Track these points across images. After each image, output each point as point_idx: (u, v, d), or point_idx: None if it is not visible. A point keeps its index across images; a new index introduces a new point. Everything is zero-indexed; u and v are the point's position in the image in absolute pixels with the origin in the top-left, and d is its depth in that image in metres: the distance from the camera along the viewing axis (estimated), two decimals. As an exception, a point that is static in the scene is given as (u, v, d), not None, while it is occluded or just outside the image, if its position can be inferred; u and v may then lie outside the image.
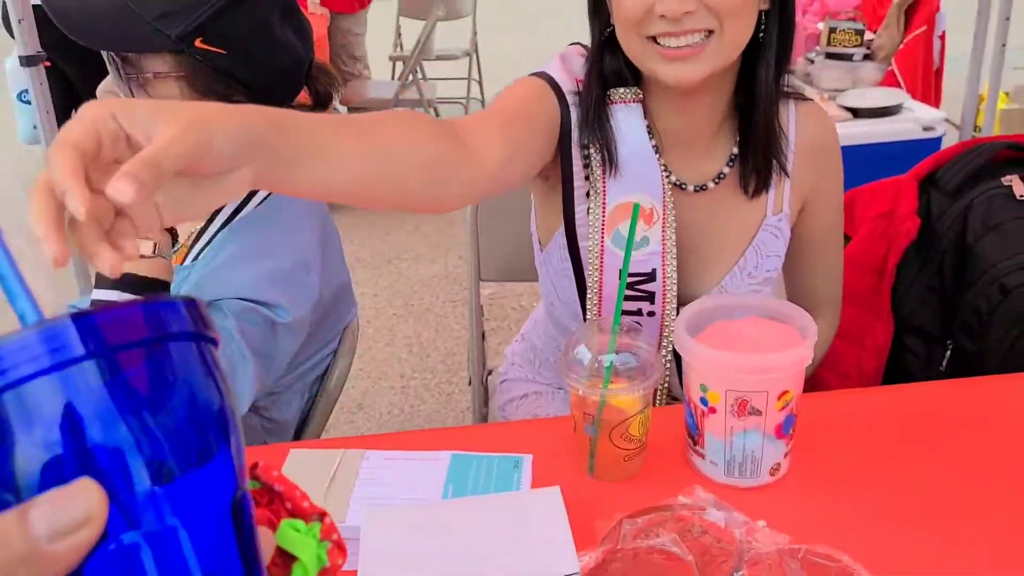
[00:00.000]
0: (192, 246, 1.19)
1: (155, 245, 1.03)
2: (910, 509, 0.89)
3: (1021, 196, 1.36)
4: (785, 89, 1.12)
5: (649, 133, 1.10)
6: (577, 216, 1.12)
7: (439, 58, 5.09)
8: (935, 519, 0.88)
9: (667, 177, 1.10)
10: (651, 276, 1.10)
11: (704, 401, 0.90)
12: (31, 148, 4.55)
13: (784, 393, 0.87)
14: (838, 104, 3.55)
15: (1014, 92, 4.03)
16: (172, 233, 1.08)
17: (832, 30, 3.99)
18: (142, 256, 1.02)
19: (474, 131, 0.93)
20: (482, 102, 5.71)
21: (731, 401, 0.88)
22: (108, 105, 0.55)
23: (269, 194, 1.18)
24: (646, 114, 1.10)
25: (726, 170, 1.13)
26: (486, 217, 1.56)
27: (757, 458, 0.90)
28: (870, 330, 1.46)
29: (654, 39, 1.00)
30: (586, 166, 1.10)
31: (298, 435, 1.27)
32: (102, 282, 1.04)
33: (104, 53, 1.10)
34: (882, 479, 0.94)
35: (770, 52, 1.06)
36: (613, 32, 1.05)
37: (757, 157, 1.11)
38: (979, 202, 1.38)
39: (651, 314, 1.12)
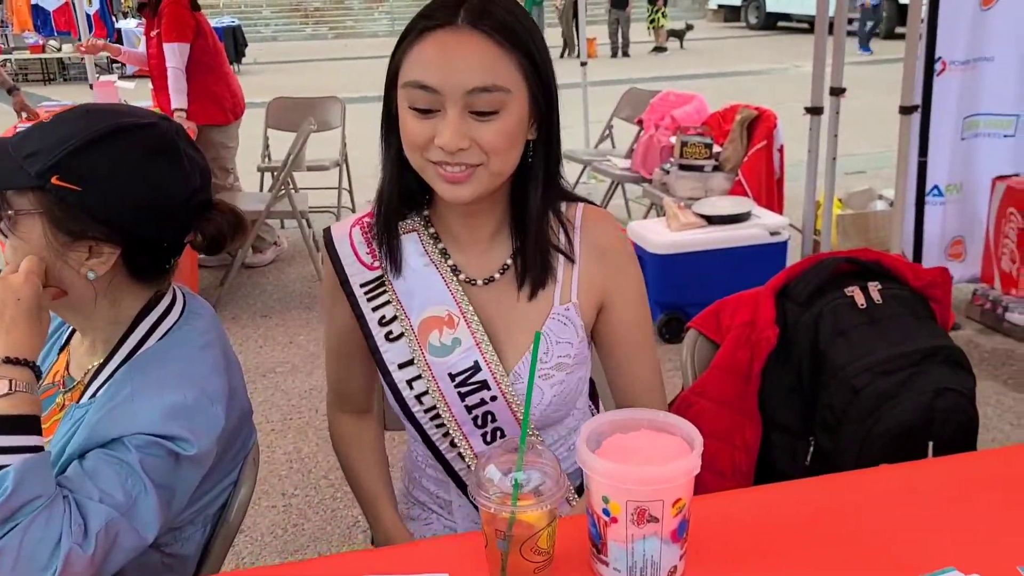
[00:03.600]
0: (89, 383, 1.18)
1: (11, 382, 1.03)
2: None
3: (862, 305, 1.54)
4: (573, 194, 1.29)
5: (435, 241, 1.26)
6: (377, 342, 1.27)
7: (309, 168, 5.16)
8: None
9: (458, 276, 1.25)
10: (476, 367, 1.24)
11: (606, 512, 0.97)
12: None
13: (678, 500, 0.96)
14: (694, 211, 3.82)
15: (846, 199, 4.44)
16: (34, 368, 1.07)
17: (684, 144, 4.33)
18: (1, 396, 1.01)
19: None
20: (352, 208, 5.79)
21: (631, 511, 0.95)
22: None
23: (171, 328, 1.19)
24: (433, 222, 1.27)
25: (509, 261, 1.26)
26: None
27: (656, 562, 0.98)
28: (740, 430, 1.58)
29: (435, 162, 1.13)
30: (372, 298, 1.27)
31: (198, 569, 1.25)
32: None
33: None
34: (765, 572, 1.03)
35: (538, 175, 1.20)
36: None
37: (530, 262, 1.24)
38: (827, 311, 1.54)
39: (493, 398, 1.24)
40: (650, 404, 1.30)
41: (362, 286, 1.26)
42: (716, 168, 4.33)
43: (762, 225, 3.78)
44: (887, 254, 1.62)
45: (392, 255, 1.25)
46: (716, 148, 4.37)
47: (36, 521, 0.98)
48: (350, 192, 5.69)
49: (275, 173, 4.68)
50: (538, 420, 1.27)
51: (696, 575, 1.02)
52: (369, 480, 1.34)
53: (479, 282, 1.26)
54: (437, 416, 1.26)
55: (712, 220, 3.76)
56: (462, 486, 1.31)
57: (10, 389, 1.01)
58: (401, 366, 1.25)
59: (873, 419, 1.46)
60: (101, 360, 1.18)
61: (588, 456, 0.97)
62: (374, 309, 1.26)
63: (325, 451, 3.04)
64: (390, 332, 1.25)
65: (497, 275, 1.26)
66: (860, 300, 1.54)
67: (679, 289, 3.65)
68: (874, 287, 1.55)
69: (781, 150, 4.32)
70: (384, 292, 1.26)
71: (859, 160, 6.93)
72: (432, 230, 1.27)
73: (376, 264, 1.26)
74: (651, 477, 0.95)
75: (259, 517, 2.68)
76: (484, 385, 1.24)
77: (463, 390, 1.24)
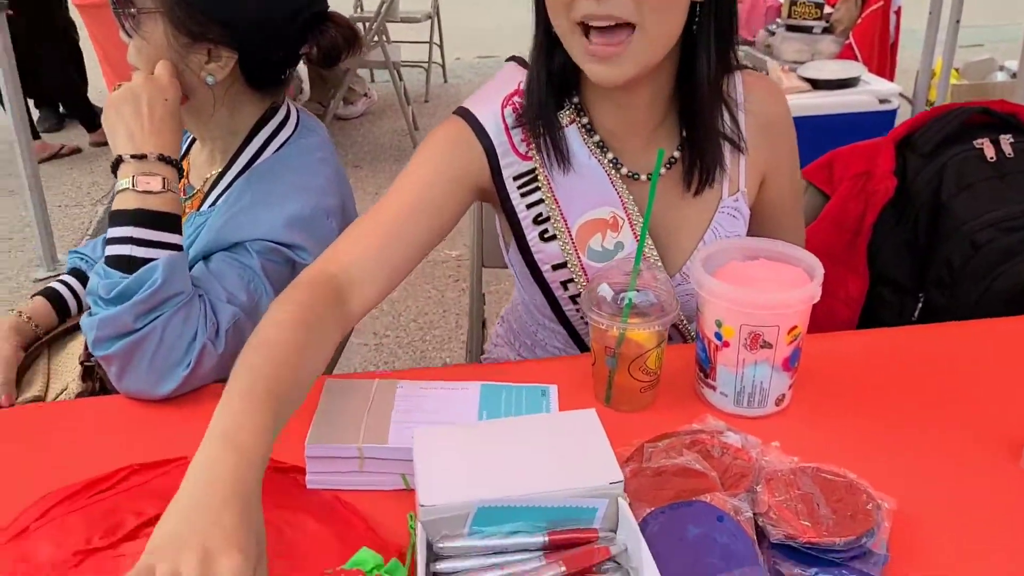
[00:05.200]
0: (208, 192, 1.21)
1: (163, 181, 1.06)
2: (898, 435, 0.98)
3: (991, 158, 1.45)
4: (733, 63, 1.11)
5: (590, 132, 1.11)
6: (529, 240, 1.14)
7: (402, 20, 5.07)
8: (919, 443, 0.96)
9: (618, 170, 1.12)
10: None
11: (718, 336, 0.96)
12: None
13: (793, 328, 0.94)
14: (798, 75, 3.65)
15: (964, 68, 4.17)
16: (177, 167, 1.10)
17: (793, 3, 4.08)
18: (152, 192, 1.05)
19: (351, 281, 0.99)
20: (443, 66, 5.71)
21: (745, 335, 0.94)
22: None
23: (286, 141, 1.21)
24: (586, 110, 1.11)
25: (677, 154, 1.13)
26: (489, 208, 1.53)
27: (765, 389, 0.98)
28: (843, 283, 1.54)
29: (584, 30, 0.98)
30: (526, 193, 1.12)
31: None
32: (118, 219, 1.06)
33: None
34: (871, 410, 1.02)
35: (708, 47, 1.04)
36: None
37: (700, 156, 1.11)
38: (953, 163, 1.46)
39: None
40: None
41: (515, 179, 1.12)
42: (826, 30, 4.08)
43: (871, 92, 3.58)
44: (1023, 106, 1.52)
45: (558, 149, 1.09)
46: (828, 8, 4.11)
47: (177, 315, 1.03)
48: (440, 47, 5.60)
49: (367, 23, 4.61)
50: (692, 313, 1.12)
51: (801, 407, 1.02)
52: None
53: (642, 177, 1.12)
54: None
55: (818, 85, 3.58)
56: None
57: (163, 187, 1.04)
58: (555, 267, 1.15)
59: (992, 276, 1.40)
60: (220, 169, 1.21)
61: (705, 277, 0.96)
62: (528, 206, 1.12)
63: (414, 297, 3.11)
64: (545, 231, 1.13)
65: (663, 169, 1.12)
66: (990, 153, 1.45)
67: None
68: (1006, 140, 1.46)
69: (898, 12, 4.04)
70: (538, 188, 1.12)
71: (977, 32, 6.46)
72: (586, 119, 1.11)
73: (530, 154, 1.11)
74: (769, 302, 0.93)
75: (351, 354, 2.78)
76: None
77: None
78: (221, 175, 1.21)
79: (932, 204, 1.47)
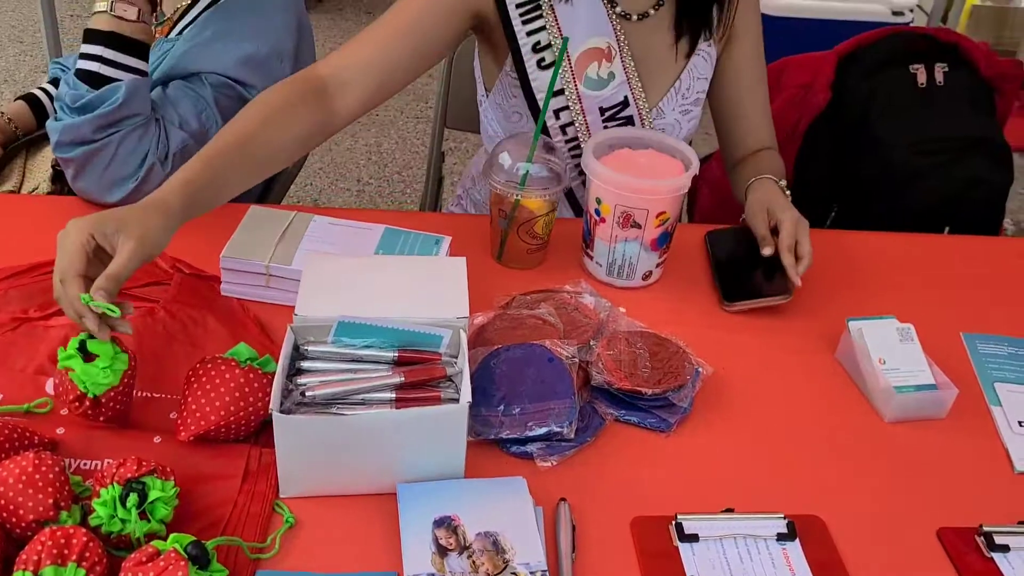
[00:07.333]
0: (178, 21, 1.31)
1: (139, 11, 1.15)
2: (740, 319, 1.11)
3: (922, 84, 1.53)
4: None
5: None
6: (528, 68, 1.22)
7: None
8: (753, 327, 1.10)
9: (613, 9, 1.22)
10: (624, 103, 1.24)
11: (598, 212, 1.09)
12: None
13: (662, 213, 1.07)
14: (813, -26, 3.60)
15: (990, -11, 4.09)
16: (152, 2, 1.19)
17: None
18: (127, 20, 1.15)
19: (340, 83, 1.08)
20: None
21: (618, 214, 1.07)
22: (85, 227, 0.82)
23: None
24: None
25: None
26: (460, 65, 1.64)
27: (633, 264, 1.11)
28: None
29: None
30: (528, 20, 1.20)
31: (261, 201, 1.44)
32: (91, 38, 1.16)
33: None
34: (733, 296, 1.15)
35: None
36: None
37: (690, 4, 1.23)
38: (886, 84, 1.54)
39: None
40: (770, 148, 1.35)
41: (518, 6, 1.20)
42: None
43: (886, 1, 3.56)
44: (967, 38, 1.58)
45: None
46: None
47: (133, 134, 1.14)
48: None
49: None
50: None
51: (666, 285, 1.15)
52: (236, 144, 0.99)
53: (634, 17, 1.23)
54: (577, 147, 1.26)
55: (834, -12, 3.55)
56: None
57: (138, 18, 1.14)
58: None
59: (899, 195, 1.50)
60: (190, 1, 1.30)
61: (591, 160, 1.07)
62: (529, 34, 1.20)
63: (403, 149, 3.21)
64: (542, 60, 1.21)
65: (651, 11, 1.23)
66: (922, 79, 1.53)
67: (773, 56, 3.54)
68: (940, 68, 1.53)
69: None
70: (540, 16, 1.20)
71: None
72: None
73: None
74: (641, 187, 1.05)
75: (334, 196, 2.91)
76: (630, 121, 1.25)
77: (609, 125, 1.25)
78: (191, 6, 1.30)
79: (860, 122, 1.55)
